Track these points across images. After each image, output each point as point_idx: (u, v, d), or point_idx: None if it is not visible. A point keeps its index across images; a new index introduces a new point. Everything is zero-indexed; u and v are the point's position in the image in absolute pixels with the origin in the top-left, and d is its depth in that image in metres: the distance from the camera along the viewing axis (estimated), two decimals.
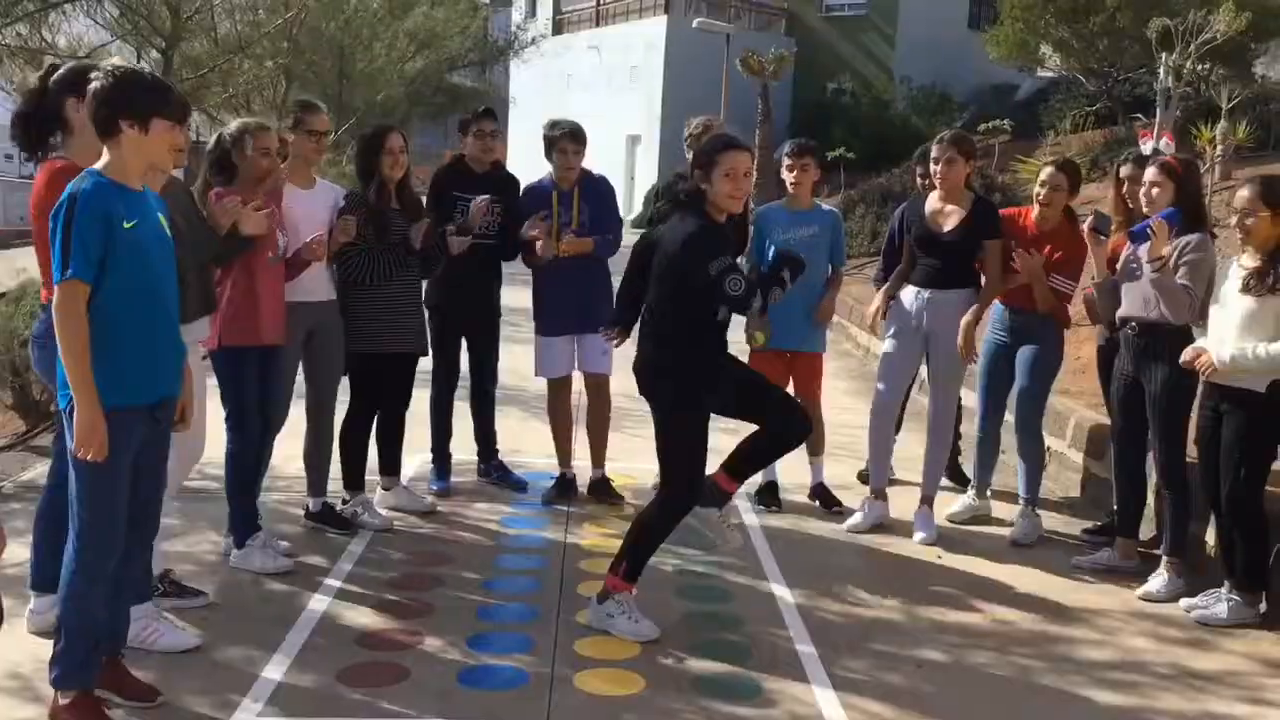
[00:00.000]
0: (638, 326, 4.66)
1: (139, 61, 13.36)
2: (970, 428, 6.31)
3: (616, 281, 6.18)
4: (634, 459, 6.73)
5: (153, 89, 3.48)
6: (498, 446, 6.52)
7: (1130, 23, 18.83)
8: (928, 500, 5.94)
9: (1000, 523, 6.03)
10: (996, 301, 5.87)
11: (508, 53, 30.64)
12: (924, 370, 6.20)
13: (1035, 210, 5.77)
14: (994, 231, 5.74)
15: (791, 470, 6.35)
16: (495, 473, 6.43)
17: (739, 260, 4.78)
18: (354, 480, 5.68)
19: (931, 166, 5.75)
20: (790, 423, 4.57)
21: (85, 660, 3.54)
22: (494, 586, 4.92)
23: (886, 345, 6.02)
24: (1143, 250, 4.96)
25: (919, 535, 5.79)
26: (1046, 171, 5.75)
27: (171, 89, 3.57)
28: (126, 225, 3.37)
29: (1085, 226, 5.32)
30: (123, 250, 3.36)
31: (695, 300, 4.35)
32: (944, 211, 5.76)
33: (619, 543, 5.29)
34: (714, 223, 4.37)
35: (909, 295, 5.87)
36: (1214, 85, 18.26)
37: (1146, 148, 5.63)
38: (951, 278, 5.76)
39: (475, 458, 6.52)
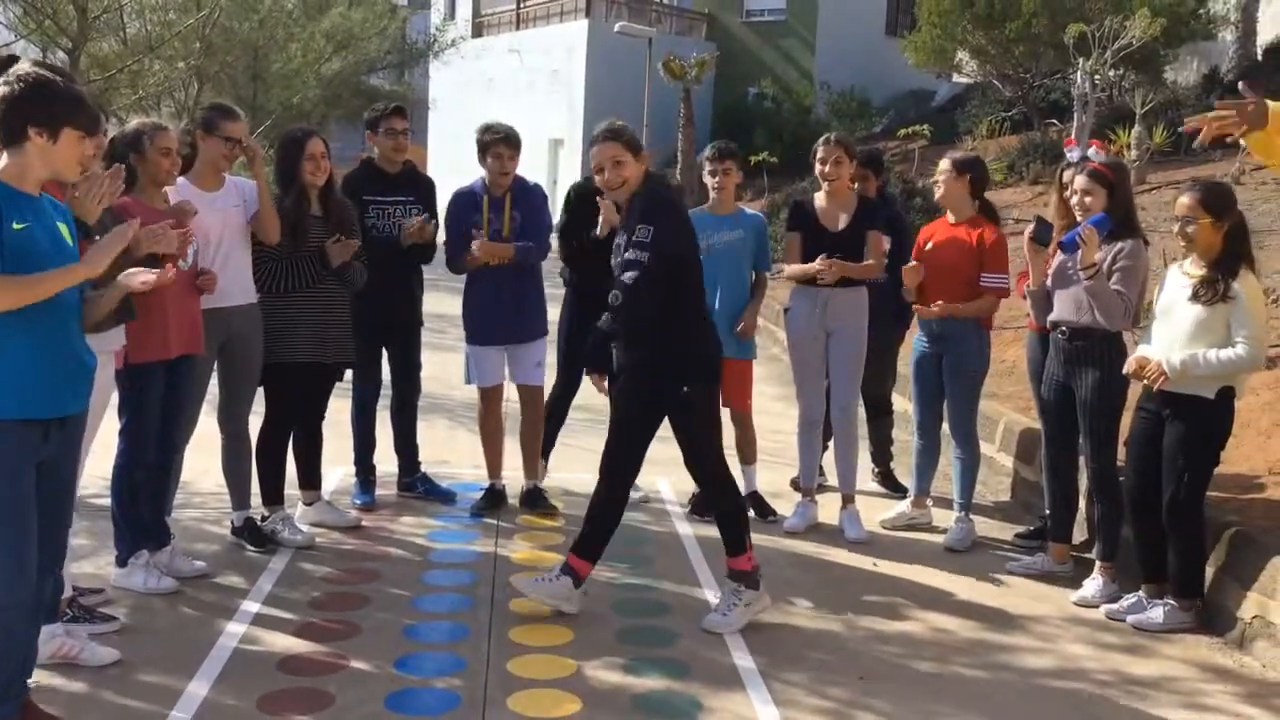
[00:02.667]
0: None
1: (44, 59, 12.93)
2: (903, 434, 6.27)
3: (549, 290, 6.07)
4: (572, 468, 6.59)
5: (66, 98, 3.34)
6: (420, 459, 6.32)
7: (1046, 29, 19.13)
8: (849, 499, 5.98)
9: (933, 529, 6.00)
10: (920, 309, 5.87)
11: (427, 55, 30.33)
12: None
13: (947, 210, 5.84)
14: (875, 224, 5.87)
15: None
16: (422, 485, 6.24)
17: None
18: (272, 495, 5.46)
19: (819, 167, 5.79)
20: None
21: (8, 687, 3.39)
22: (422, 604, 4.75)
23: (794, 355, 6.03)
24: (1076, 258, 4.94)
25: (849, 534, 5.82)
26: (939, 166, 5.84)
27: (84, 99, 3.42)
28: (16, 226, 3.21)
29: (1025, 235, 5.32)
30: (10, 252, 3.19)
31: None
32: (832, 210, 5.82)
33: (552, 555, 5.19)
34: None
35: (807, 296, 5.88)
36: (1127, 91, 18.64)
37: (1073, 155, 5.61)
38: (847, 277, 5.80)
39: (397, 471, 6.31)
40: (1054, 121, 19.36)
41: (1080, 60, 15.02)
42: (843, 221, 5.79)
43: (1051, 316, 5.21)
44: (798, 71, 29.71)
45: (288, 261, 5.29)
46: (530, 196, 5.92)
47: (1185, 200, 4.62)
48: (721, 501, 4.73)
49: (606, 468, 4.62)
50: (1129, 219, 5.05)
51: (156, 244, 4.33)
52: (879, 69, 28.17)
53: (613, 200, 4.68)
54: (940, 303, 5.63)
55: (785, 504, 6.16)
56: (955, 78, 25.75)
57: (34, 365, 3.26)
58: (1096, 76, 15.50)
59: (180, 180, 4.94)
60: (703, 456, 4.66)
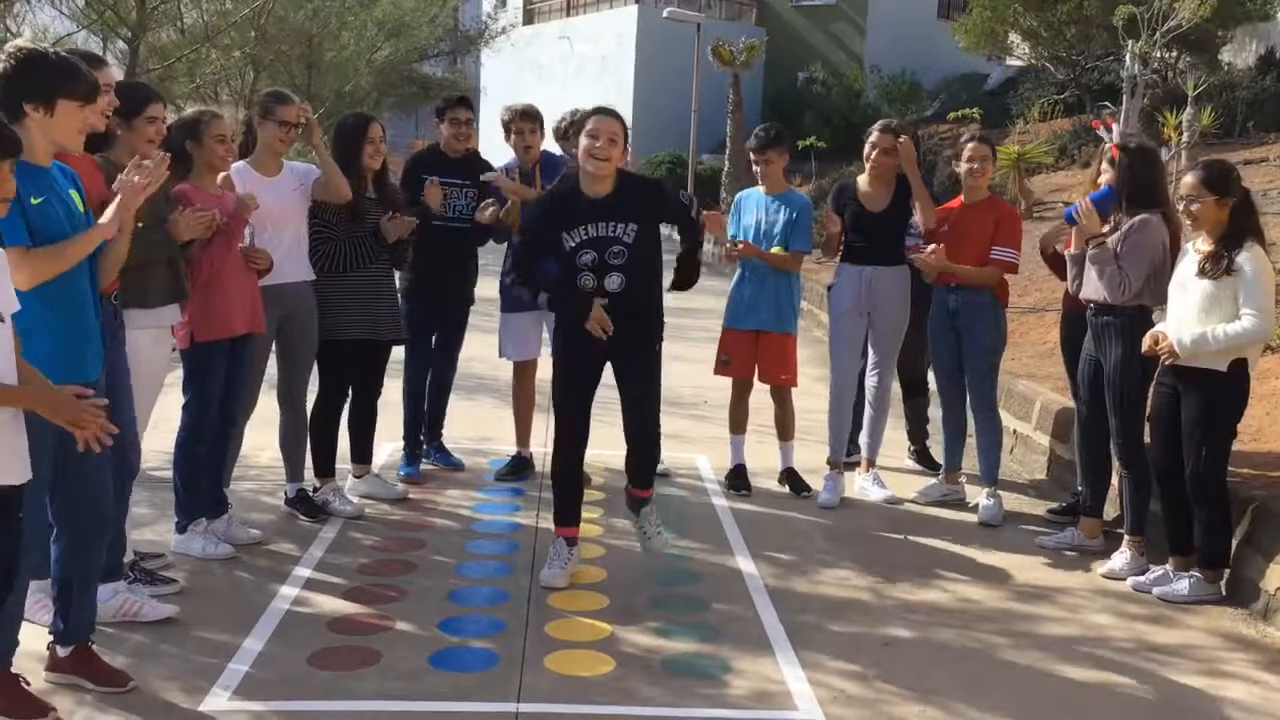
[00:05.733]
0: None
1: (104, 52, 13.29)
2: (939, 412, 6.37)
3: None
4: (604, 445, 6.73)
5: (57, 70, 3.40)
6: (443, 430, 6.55)
7: (1097, 11, 18.97)
8: (870, 463, 6.23)
9: (966, 504, 6.09)
10: (936, 287, 5.98)
11: (478, 42, 30.56)
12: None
13: (965, 188, 5.96)
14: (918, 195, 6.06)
15: (761, 455, 6.42)
16: (435, 454, 6.47)
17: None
18: (324, 467, 5.68)
19: (869, 151, 6.01)
20: None
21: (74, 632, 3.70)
22: (465, 571, 4.94)
23: (834, 329, 6.22)
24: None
25: (871, 494, 6.07)
26: (970, 148, 5.89)
27: (78, 68, 3.47)
28: (35, 201, 3.33)
29: (1061, 208, 5.44)
30: (34, 226, 3.32)
31: None
32: (875, 192, 6.03)
33: (591, 529, 5.37)
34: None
35: (852, 274, 6.07)
36: (1180, 73, 18.44)
37: (1112, 135, 5.73)
38: (890, 255, 6.02)
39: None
40: (1106, 104, 19.17)
41: (1130, 42, 14.90)
42: (883, 203, 6.00)
43: (1083, 294, 5.30)
44: (848, 55, 29.64)
45: (346, 241, 5.50)
46: (557, 169, 6.08)
47: (1189, 180, 4.75)
48: (655, 452, 5.06)
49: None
50: (1147, 195, 5.12)
51: (196, 230, 4.52)
52: (930, 52, 28.02)
53: (599, 172, 4.62)
54: (938, 250, 5.77)
55: (819, 480, 6.26)
56: (1007, 61, 25.55)
57: (59, 333, 3.43)
58: (1150, 58, 15.37)
59: (241, 165, 5.16)
60: (653, 410, 4.90)
